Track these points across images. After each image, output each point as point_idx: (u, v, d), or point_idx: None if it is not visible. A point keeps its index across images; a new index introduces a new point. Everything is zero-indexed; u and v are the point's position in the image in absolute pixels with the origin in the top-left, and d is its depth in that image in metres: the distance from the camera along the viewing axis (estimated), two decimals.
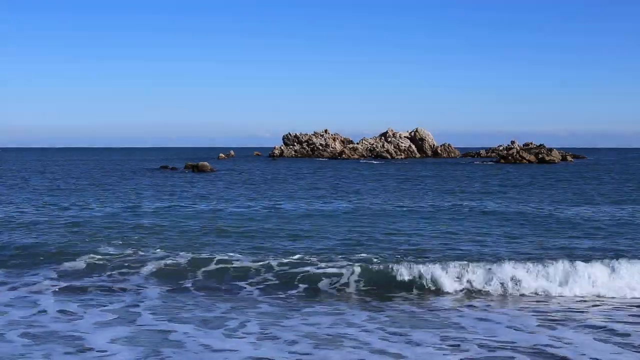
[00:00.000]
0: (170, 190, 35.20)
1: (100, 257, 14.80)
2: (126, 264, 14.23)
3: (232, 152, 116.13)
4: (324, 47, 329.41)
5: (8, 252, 15.76)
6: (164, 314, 10.86)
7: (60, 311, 10.99)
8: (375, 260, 14.40)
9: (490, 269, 13.09)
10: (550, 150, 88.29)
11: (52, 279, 13.33)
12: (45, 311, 10.96)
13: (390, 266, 13.39)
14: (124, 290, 12.52)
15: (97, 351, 8.95)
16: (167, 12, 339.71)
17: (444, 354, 8.91)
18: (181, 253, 15.22)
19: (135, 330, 9.90)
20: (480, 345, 9.28)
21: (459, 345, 9.28)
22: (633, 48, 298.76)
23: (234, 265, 14.03)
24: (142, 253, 15.32)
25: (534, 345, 9.33)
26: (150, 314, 10.86)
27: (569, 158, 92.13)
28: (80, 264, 14.38)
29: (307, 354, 8.92)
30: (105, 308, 11.19)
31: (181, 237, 18.08)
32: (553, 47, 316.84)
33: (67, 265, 14.33)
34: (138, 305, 11.37)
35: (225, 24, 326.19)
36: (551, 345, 9.32)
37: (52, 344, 9.25)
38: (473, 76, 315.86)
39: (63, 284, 12.90)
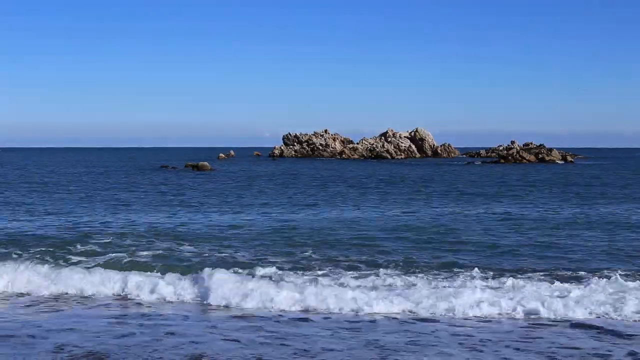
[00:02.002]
0: (182, 193, 35.35)
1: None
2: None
3: (232, 152, 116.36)
4: (324, 47, 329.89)
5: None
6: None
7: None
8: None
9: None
10: (550, 150, 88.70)
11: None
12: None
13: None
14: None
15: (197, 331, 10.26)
16: (167, 14, 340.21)
17: None
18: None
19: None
20: None
21: None
22: (633, 48, 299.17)
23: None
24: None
25: None
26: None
27: (569, 158, 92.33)
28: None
29: None
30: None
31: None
32: (553, 46, 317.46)
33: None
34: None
35: (225, 25, 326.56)
36: None
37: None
38: (473, 76, 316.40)
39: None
